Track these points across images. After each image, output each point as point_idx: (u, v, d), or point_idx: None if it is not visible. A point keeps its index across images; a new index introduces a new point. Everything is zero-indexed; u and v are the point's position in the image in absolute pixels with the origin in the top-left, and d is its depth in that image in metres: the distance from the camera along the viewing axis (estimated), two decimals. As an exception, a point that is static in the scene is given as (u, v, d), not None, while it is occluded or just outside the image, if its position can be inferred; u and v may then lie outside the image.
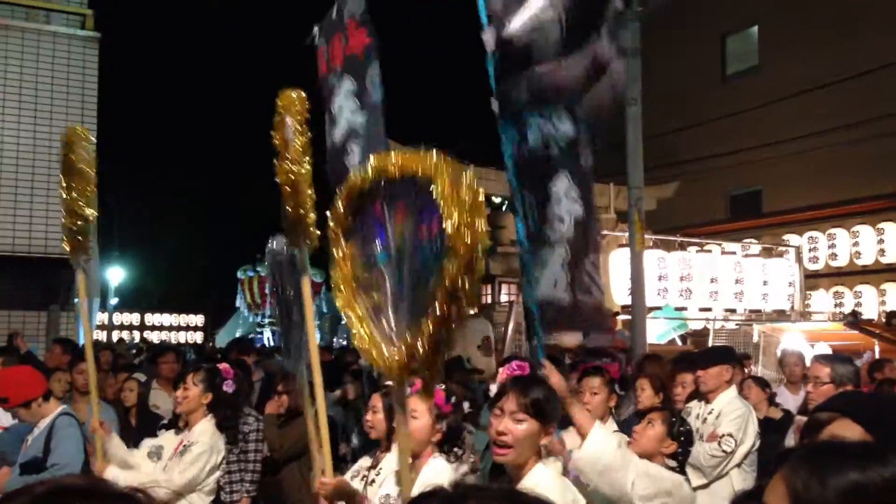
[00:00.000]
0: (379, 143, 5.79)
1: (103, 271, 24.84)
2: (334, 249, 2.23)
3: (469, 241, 1.92)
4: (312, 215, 3.05)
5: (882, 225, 14.76)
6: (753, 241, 15.09)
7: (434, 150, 2.01)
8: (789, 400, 6.64)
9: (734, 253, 13.79)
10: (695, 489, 4.47)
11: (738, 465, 4.54)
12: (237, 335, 18.48)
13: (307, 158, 3.00)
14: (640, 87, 8.30)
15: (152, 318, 28.32)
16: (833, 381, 4.16)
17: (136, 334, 26.76)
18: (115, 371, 7.46)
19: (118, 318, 27.41)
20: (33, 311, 9.87)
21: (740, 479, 4.51)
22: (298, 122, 2.99)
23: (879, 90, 14.31)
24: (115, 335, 24.92)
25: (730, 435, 4.51)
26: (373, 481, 3.47)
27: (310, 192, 3.05)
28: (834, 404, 2.07)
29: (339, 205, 2.21)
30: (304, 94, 3.11)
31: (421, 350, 2.04)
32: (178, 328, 28.75)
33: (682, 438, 3.59)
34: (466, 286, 1.94)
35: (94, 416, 4.05)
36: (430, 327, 2.01)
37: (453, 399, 3.42)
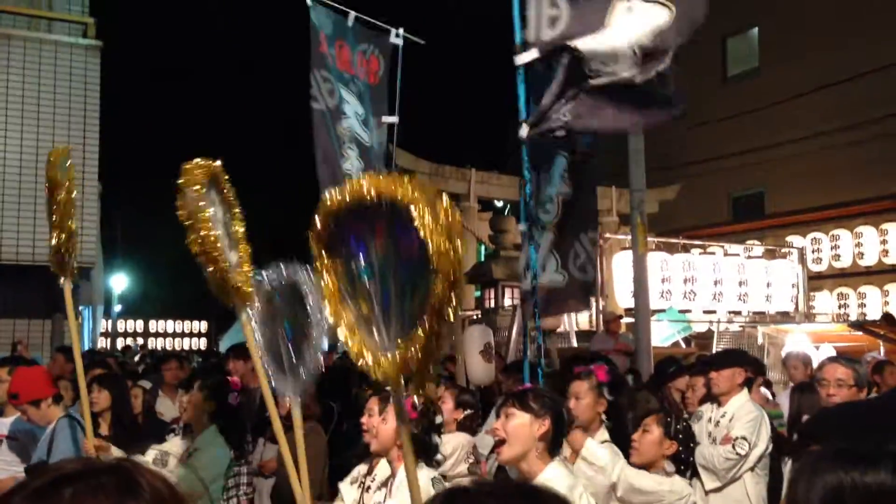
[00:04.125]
0: (380, 161, 5.98)
1: (107, 279, 24.86)
2: (316, 263, 2.28)
3: (452, 262, 2.00)
4: (238, 276, 3.17)
5: (885, 226, 14.74)
6: (756, 242, 15.08)
7: (409, 177, 2.09)
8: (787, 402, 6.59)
9: (737, 255, 13.79)
10: (708, 492, 4.48)
11: (752, 469, 4.53)
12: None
13: (210, 226, 3.10)
14: (641, 90, 8.28)
15: (156, 325, 28.31)
16: (857, 385, 4.16)
17: (140, 341, 26.76)
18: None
19: (122, 325, 27.41)
20: (37, 319, 9.87)
21: (753, 483, 4.51)
22: (199, 192, 3.10)
23: (880, 91, 14.31)
24: (120, 342, 24.94)
25: (743, 438, 4.50)
26: (368, 487, 3.48)
27: (241, 249, 3.23)
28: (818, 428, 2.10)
29: (317, 222, 2.26)
30: (213, 163, 3.25)
31: (414, 359, 2.08)
32: (182, 334, 28.75)
33: (681, 436, 3.60)
34: (453, 301, 2.03)
35: (88, 440, 4.00)
36: (422, 339, 2.07)
37: (419, 406, 3.45)
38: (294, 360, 3.19)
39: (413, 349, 2.08)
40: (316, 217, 2.28)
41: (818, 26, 15.66)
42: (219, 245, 3.18)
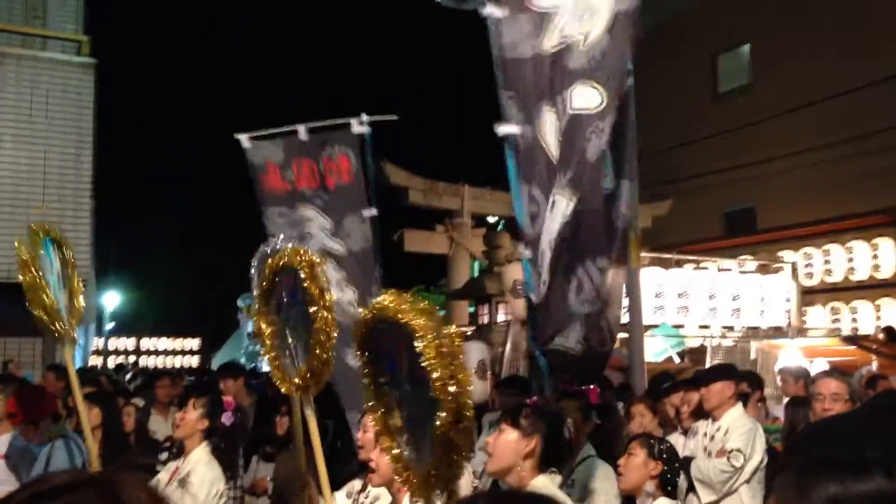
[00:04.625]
0: (368, 257, 5.67)
1: (99, 296, 24.77)
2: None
3: (454, 395, 2.01)
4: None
5: (876, 240, 14.79)
6: (749, 257, 15.12)
7: (414, 295, 2.11)
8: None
9: (730, 270, 13.82)
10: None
11: (748, 481, 4.53)
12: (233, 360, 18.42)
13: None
14: (633, 105, 8.33)
15: (148, 343, 28.18)
16: (851, 399, 4.17)
17: (132, 359, 26.66)
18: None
19: (113, 342, 27.29)
20: (28, 337, 9.82)
21: (749, 496, 4.51)
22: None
23: (871, 106, 14.41)
24: (112, 360, 24.81)
25: (738, 450, 4.52)
26: None
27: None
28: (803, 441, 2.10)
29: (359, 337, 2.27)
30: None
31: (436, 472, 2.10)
32: (175, 352, 28.62)
33: (665, 456, 3.61)
34: (461, 439, 2.04)
35: (92, 458, 4.01)
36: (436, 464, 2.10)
37: None
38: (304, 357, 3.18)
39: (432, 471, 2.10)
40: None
41: (808, 43, 15.78)
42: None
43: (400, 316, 2.03)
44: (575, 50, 4.21)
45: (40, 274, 4.08)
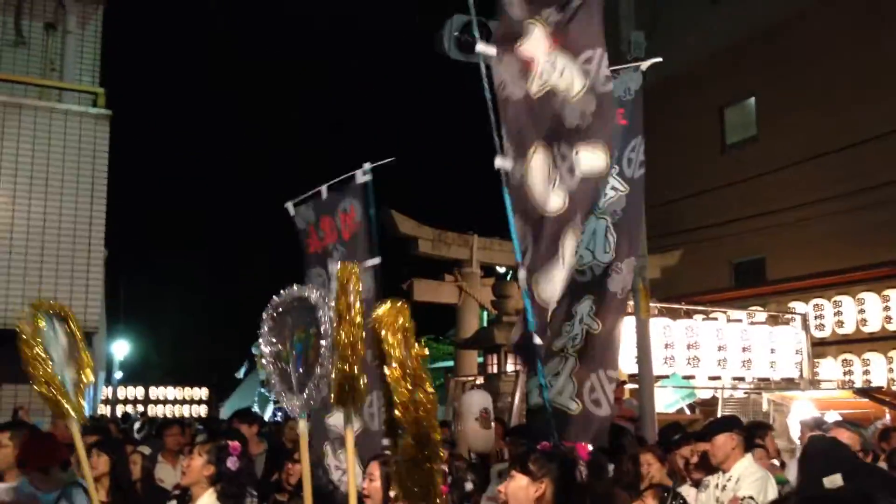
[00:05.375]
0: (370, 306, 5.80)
1: (109, 345, 24.78)
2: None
3: (417, 419, 2.07)
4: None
5: (887, 292, 14.73)
6: (759, 308, 15.06)
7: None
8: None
9: (740, 321, 13.75)
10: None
11: (760, 529, 4.50)
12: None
13: None
14: (643, 157, 8.41)
15: (156, 392, 28.07)
16: (863, 450, 4.16)
17: (140, 408, 26.54)
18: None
19: (122, 391, 27.22)
20: (39, 385, 9.83)
21: (761, 543, 4.47)
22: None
23: (880, 158, 14.48)
24: (120, 409, 24.72)
25: (751, 497, 4.52)
26: None
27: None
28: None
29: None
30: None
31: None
32: (183, 401, 28.47)
33: None
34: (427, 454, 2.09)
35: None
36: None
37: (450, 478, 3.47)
38: (303, 380, 3.23)
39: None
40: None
41: (815, 95, 15.92)
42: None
43: (378, 329, 2.09)
44: (564, 102, 4.34)
45: (43, 350, 4.09)
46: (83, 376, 4.14)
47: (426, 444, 2.03)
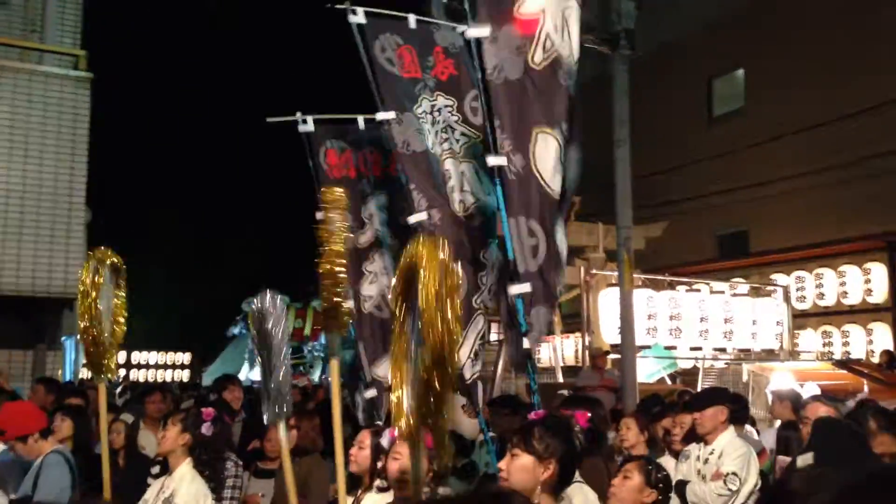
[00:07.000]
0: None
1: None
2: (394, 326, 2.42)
3: (441, 334, 2.06)
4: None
5: (868, 265, 14.86)
6: (741, 280, 15.15)
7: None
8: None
9: (723, 292, 13.84)
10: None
11: (744, 504, 4.56)
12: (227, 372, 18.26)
13: None
14: (628, 128, 8.39)
15: (139, 357, 27.97)
16: None
17: (122, 372, 26.45)
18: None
19: (104, 356, 27.14)
20: (19, 350, 9.78)
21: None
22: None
23: (865, 131, 14.50)
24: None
25: (734, 473, 4.56)
26: None
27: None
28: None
29: (396, 286, 2.39)
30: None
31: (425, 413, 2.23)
32: (165, 366, 28.42)
33: (661, 485, 3.56)
34: (442, 377, 2.10)
35: (105, 480, 4.09)
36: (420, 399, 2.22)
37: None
38: (276, 388, 3.28)
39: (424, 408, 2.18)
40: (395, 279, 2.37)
41: (803, 68, 15.89)
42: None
43: (413, 259, 2.08)
44: (568, 69, 4.23)
45: (98, 303, 4.10)
46: (117, 329, 4.18)
47: (443, 369, 2.04)
